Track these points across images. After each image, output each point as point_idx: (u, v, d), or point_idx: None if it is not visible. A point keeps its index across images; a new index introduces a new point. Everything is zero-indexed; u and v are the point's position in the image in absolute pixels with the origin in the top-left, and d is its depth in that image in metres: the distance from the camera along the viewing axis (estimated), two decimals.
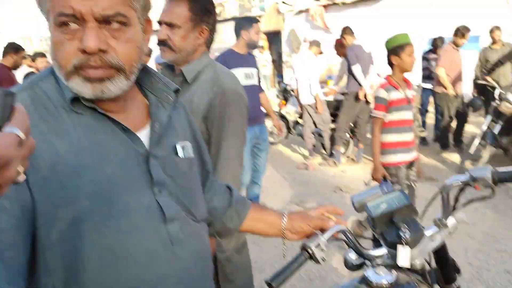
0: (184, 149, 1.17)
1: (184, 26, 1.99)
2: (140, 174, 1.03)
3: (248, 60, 4.47)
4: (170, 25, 2.00)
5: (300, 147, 8.41)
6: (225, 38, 18.39)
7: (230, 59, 4.27)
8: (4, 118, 0.60)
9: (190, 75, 2.05)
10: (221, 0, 30.33)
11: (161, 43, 2.02)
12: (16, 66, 6.48)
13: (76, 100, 0.98)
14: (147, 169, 1.04)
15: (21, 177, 0.61)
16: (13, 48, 6.32)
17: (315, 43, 7.35)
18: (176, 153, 1.15)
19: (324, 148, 7.45)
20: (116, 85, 0.98)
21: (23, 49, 6.67)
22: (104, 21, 0.93)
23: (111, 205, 0.97)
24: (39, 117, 0.96)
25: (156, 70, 1.25)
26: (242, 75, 4.26)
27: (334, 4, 14.35)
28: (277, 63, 16.41)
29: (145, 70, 1.15)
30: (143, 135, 1.09)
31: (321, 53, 7.56)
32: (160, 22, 2.02)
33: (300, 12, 15.47)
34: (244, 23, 4.45)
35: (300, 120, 7.82)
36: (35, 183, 0.91)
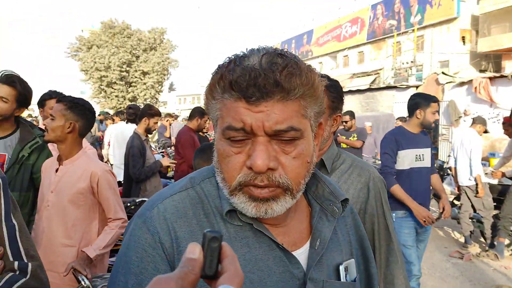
0: (347, 270, 1.04)
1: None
2: None
3: (420, 140, 4.13)
4: None
5: (454, 232, 7.61)
6: (378, 106, 18.27)
7: (401, 138, 4.07)
8: (211, 267, 0.57)
9: (329, 164, 1.98)
10: (375, 67, 30.56)
11: None
12: (199, 130, 6.46)
13: (233, 211, 0.94)
14: None
15: None
16: (199, 112, 6.40)
17: (480, 121, 6.72)
18: (338, 277, 1.02)
19: (484, 238, 6.61)
20: (281, 205, 0.89)
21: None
22: (275, 135, 0.86)
23: None
24: (197, 223, 0.94)
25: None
26: (412, 157, 4.04)
27: (502, 76, 13.27)
28: (432, 135, 15.54)
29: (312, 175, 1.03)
30: (302, 253, 0.99)
31: (486, 131, 6.89)
32: None
33: (462, 83, 14.59)
34: (420, 100, 4.04)
35: (456, 202, 7.13)
36: None
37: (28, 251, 1.29)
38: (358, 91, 20.21)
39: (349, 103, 18.52)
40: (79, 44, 40.17)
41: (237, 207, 0.90)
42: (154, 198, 0.99)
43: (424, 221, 3.91)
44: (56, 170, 2.67)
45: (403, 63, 27.68)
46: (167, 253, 0.89)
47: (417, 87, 16.58)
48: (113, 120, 10.02)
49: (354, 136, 7.87)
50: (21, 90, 2.91)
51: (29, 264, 1.27)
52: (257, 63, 0.84)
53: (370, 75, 30.59)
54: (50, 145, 3.08)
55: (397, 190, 3.98)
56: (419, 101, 4.05)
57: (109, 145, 7.96)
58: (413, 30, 27.06)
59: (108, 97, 39.99)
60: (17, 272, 1.23)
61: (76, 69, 40.91)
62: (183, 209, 0.95)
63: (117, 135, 7.13)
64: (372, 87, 20.51)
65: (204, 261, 0.57)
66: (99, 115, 13.82)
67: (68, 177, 2.63)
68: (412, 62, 26.76)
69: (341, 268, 1.02)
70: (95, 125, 10.80)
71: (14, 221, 1.29)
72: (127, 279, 0.89)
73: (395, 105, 16.60)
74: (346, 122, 7.87)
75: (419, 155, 4.09)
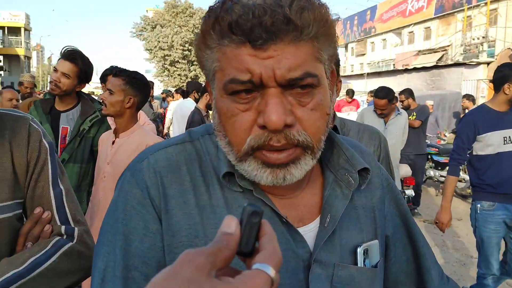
0: (367, 253, 0.89)
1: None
2: (294, 286, 0.80)
3: (509, 120, 3.50)
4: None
5: None
6: (445, 84, 17.44)
7: (482, 120, 3.52)
8: (248, 244, 0.53)
9: (339, 131, 1.95)
10: (443, 44, 29.09)
11: None
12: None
13: (231, 174, 0.82)
14: (305, 280, 0.81)
15: None
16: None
17: None
18: (355, 261, 0.87)
19: None
20: (301, 168, 0.76)
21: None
22: (289, 84, 0.72)
23: None
24: (190, 181, 0.83)
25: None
26: (499, 140, 3.48)
27: None
28: None
29: (327, 137, 0.86)
30: (311, 230, 0.85)
31: None
32: None
33: None
34: (510, 73, 3.40)
35: None
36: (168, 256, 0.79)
37: (75, 216, 1.31)
38: (424, 69, 19.39)
39: (414, 80, 17.87)
40: (143, 24, 41.24)
41: (248, 175, 0.78)
42: (147, 149, 0.89)
43: (437, 222, 3.64)
44: (113, 143, 2.75)
45: (473, 39, 26.13)
46: (157, 210, 0.80)
47: (488, 63, 15.66)
48: (173, 97, 10.26)
49: (413, 115, 7.50)
50: (82, 66, 3.02)
51: (76, 229, 1.28)
52: None
53: (437, 52, 29.14)
54: (108, 119, 3.18)
55: (449, 182, 3.66)
56: (508, 74, 3.39)
57: (171, 122, 8.20)
58: (486, 3, 25.41)
59: (171, 76, 40.89)
60: (64, 237, 1.25)
61: (140, 48, 42.13)
62: (176, 163, 0.84)
63: (176, 111, 7.28)
64: (439, 64, 19.59)
65: (241, 236, 0.52)
66: (162, 93, 14.15)
67: (124, 149, 2.68)
68: (483, 37, 25.16)
69: (359, 250, 0.87)
70: (157, 102, 11.09)
71: (61, 186, 1.31)
72: (115, 239, 0.79)
73: (463, 83, 15.78)
74: (402, 101, 7.47)
75: (508, 137, 3.47)
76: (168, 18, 39.73)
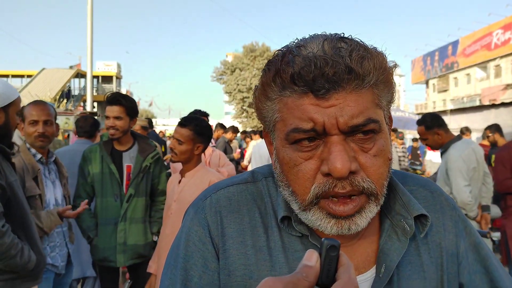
0: None
1: None
2: None
3: None
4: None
5: None
6: None
7: None
8: (328, 277, 0.55)
9: None
10: None
11: None
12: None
13: (288, 218, 0.82)
14: None
15: None
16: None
17: None
18: None
19: None
20: (366, 217, 0.76)
21: None
22: (351, 131, 0.73)
23: None
24: (249, 222, 0.84)
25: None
26: None
27: None
28: None
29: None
30: (366, 280, 0.83)
31: None
32: None
33: None
34: None
35: None
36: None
37: None
38: None
39: (502, 116, 16.85)
40: (223, 68, 42.93)
41: (312, 224, 0.77)
42: (211, 187, 0.92)
43: None
44: (179, 182, 2.95)
45: None
46: (216, 248, 0.83)
47: None
48: (251, 138, 10.52)
49: None
50: (127, 105, 3.30)
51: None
52: (319, 50, 0.71)
53: None
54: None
55: None
56: None
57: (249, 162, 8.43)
58: None
59: (250, 117, 41.85)
60: None
61: (220, 91, 43.70)
62: (237, 203, 0.86)
63: (254, 151, 7.47)
64: None
65: (321, 269, 0.55)
66: (241, 133, 14.56)
67: (189, 187, 2.87)
68: None
69: None
70: (236, 142, 11.41)
71: None
72: (176, 274, 0.84)
73: None
74: (488, 137, 7.11)
75: None
76: (247, 62, 41.03)
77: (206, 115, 4.65)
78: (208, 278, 0.82)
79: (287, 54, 0.74)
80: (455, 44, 37.88)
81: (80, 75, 36.49)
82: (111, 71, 42.91)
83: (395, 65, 0.80)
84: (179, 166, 3.08)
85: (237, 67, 41.49)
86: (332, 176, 0.72)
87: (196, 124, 2.91)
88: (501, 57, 31.52)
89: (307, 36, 0.78)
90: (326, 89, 0.70)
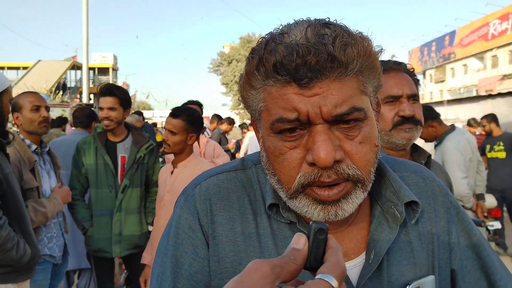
0: None
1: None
2: None
3: None
4: (414, 98, 1.77)
5: None
6: None
7: None
8: (316, 258, 0.56)
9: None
10: None
11: (411, 120, 1.74)
12: None
13: (276, 205, 0.83)
14: None
15: None
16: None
17: None
18: None
19: None
20: (352, 202, 0.76)
21: None
22: (336, 120, 0.73)
23: None
24: (238, 209, 0.85)
25: None
26: None
27: None
28: None
29: (376, 168, 0.83)
30: (356, 265, 0.83)
31: None
32: (398, 97, 1.74)
33: None
34: None
35: None
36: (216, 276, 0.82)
37: None
38: (510, 94, 18.28)
39: (499, 106, 16.88)
40: (220, 59, 42.84)
41: (299, 211, 0.78)
42: (200, 175, 0.92)
43: None
44: (172, 172, 2.95)
45: None
46: (206, 235, 0.83)
47: None
48: (247, 129, 10.53)
49: (499, 144, 6.92)
50: (121, 95, 3.31)
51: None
52: (302, 38, 0.70)
53: None
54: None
55: None
56: None
57: (245, 154, 8.47)
58: None
59: None
60: None
61: (217, 83, 43.76)
62: (226, 190, 0.86)
63: (251, 142, 7.50)
64: None
65: (309, 252, 0.56)
66: (239, 126, 14.57)
67: (181, 177, 2.87)
68: None
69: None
70: (232, 134, 11.42)
71: None
72: (167, 261, 0.85)
73: None
74: (484, 126, 7.01)
75: None
76: (244, 53, 40.94)
77: (199, 104, 4.64)
78: (198, 265, 0.83)
79: (270, 42, 0.73)
80: (452, 34, 37.79)
81: (76, 67, 36.42)
82: (107, 62, 42.78)
83: (381, 50, 0.79)
84: (172, 157, 3.08)
85: (234, 58, 41.44)
86: (317, 166, 0.72)
87: (188, 114, 2.91)
88: (498, 47, 31.50)
89: (292, 22, 0.77)
90: (309, 78, 0.70)
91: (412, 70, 1.83)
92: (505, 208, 7.13)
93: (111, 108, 3.26)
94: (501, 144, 6.92)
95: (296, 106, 0.71)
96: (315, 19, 0.76)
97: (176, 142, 2.86)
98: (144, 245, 3.40)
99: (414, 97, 1.76)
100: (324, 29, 0.71)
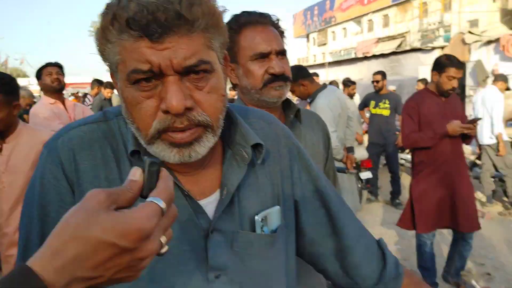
0: (265, 220, 0.97)
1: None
2: (194, 254, 0.89)
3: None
4: (283, 54, 1.75)
5: (477, 192, 7.49)
6: (403, 70, 17.89)
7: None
8: (150, 187, 0.64)
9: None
10: (401, 31, 29.70)
11: (280, 77, 1.73)
12: None
13: (137, 152, 0.89)
14: (204, 248, 0.90)
15: (165, 248, 0.64)
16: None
17: (501, 77, 6.58)
18: (253, 228, 0.96)
19: (507, 196, 6.50)
20: (204, 145, 0.85)
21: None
22: (186, 72, 0.80)
23: (155, 285, 0.86)
24: (101, 157, 0.90)
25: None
26: None
27: None
28: (460, 97, 15.13)
29: (227, 117, 0.94)
30: (211, 202, 0.93)
31: (508, 89, 6.70)
32: (267, 54, 1.71)
33: (489, 42, 14.09)
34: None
35: (478, 162, 7.01)
36: None
37: None
38: (382, 56, 19.79)
39: (373, 67, 18.18)
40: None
41: (158, 155, 0.84)
42: (63, 128, 0.96)
43: None
44: (0, 150, 2.56)
45: (429, 25, 26.81)
46: (71, 183, 0.88)
47: (442, 48, 16.14)
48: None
49: (385, 102, 7.26)
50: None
51: None
52: None
53: (396, 38, 29.73)
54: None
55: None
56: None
57: None
58: None
59: None
60: None
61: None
62: (88, 141, 0.91)
63: None
64: (396, 50, 20.06)
65: (144, 182, 0.64)
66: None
67: (17, 153, 2.56)
68: (439, 23, 25.87)
69: (256, 218, 0.96)
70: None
71: None
72: (33, 210, 0.89)
73: (420, 68, 16.21)
74: (377, 82, 7.33)
75: None
76: None
77: (59, 66, 4.18)
78: (64, 211, 0.83)
79: None
80: None
81: None
82: None
83: (224, 10, 0.87)
84: None
85: None
86: (170, 113, 0.79)
87: (2, 84, 2.48)
88: (373, 12, 33.64)
89: None
90: (159, 33, 0.76)
91: (277, 21, 1.80)
92: (384, 162, 7.81)
93: None
94: (387, 102, 7.21)
95: (148, 58, 0.77)
96: None
97: (1, 119, 2.46)
98: None
99: (283, 53, 1.75)
100: None
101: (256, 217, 0.96)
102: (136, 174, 0.64)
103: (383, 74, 7.46)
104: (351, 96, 7.97)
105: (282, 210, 1.02)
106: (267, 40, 1.70)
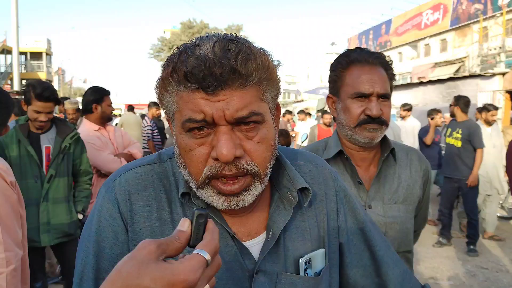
0: (309, 263, 1.00)
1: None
2: None
3: None
4: (385, 97, 1.71)
5: None
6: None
7: None
8: (197, 238, 0.68)
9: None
10: (460, 55, 28.85)
11: (376, 120, 1.69)
12: None
13: (188, 194, 0.94)
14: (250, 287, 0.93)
15: None
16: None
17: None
18: (297, 270, 0.98)
19: None
20: (251, 194, 0.89)
21: None
22: (237, 122, 0.85)
23: None
24: (155, 198, 0.95)
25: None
26: None
27: None
28: None
29: (276, 160, 0.98)
30: (257, 243, 0.97)
31: None
32: (368, 95, 1.69)
33: None
34: None
35: None
36: None
37: None
38: (439, 81, 19.23)
39: (429, 93, 17.75)
40: (161, 45, 42.01)
41: (206, 200, 0.90)
42: (121, 168, 1.02)
43: None
44: None
45: (490, 50, 25.90)
46: (125, 222, 0.93)
47: (503, 74, 15.51)
48: None
49: (458, 132, 6.46)
50: (57, 98, 3.30)
51: None
52: (210, 51, 0.82)
53: (454, 63, 28.95)
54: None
55: None
56: None
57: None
58: (502, 13, 25.23)
59: None
60: None
61: (158, 69, 42.96)
62: (144, 182, 0.96)
63: None
64: (454, 76, 19.46)
65: (191, 233, 0.68)
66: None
67: None
68: (500, 48, 24.96)
69: (301, 261, 0.99)
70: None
71: None
72: (90, 246, 0.93)
73: (479, 95, 15.64)
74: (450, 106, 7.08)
75: None
76: (185, 39, 40.35)
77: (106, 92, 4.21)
78: (118, 249, 0.92)
79: (183, 53, 0.84)
80: (388, 23, 39.12)
81: (6, 51, 34.42)
82: (41, 47, 40.56)
83: (279, 64, 0.92)
84: None
85: (175, 44, 40.70)
86: (220, 160, 0.84)
87: None
88: (430, 36, 32.97)
89: (204, 35, 0.90)
90: (214, 86, 0.81)
91: (390, 63, 1.77)
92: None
93: (49, 113, 3.26)
94: (460, 132, 6.48)
95: (203, 109, 0.83)
96: (224, 34, 0.88)
97: None
98: (74, 234, 3.41)
99: (385, 96, 1.71)
100: (229, 45, 0.83)
101: (300, 260, 0.99)
102: (184, 225, 0.69)
103: (455, 100, 6.77)
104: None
105: (327, 253, 1.05)
106: (371, 82, 1.68)
